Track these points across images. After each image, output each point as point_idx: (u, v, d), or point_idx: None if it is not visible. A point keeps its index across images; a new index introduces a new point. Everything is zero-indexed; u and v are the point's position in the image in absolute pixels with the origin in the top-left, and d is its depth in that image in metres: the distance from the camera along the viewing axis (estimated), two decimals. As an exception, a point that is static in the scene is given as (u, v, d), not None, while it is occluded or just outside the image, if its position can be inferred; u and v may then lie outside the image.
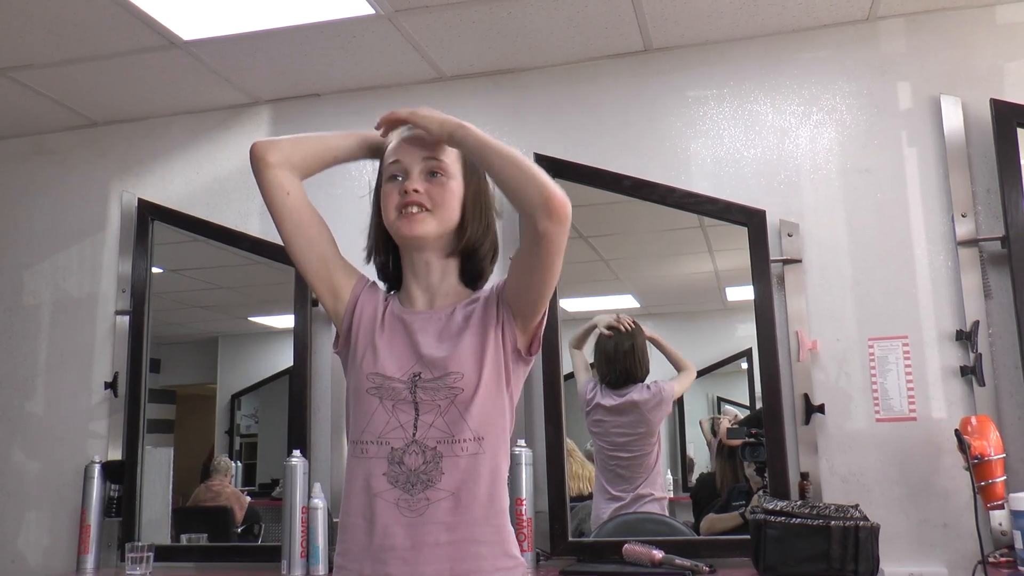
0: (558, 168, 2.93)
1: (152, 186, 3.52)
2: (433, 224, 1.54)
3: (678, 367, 3.13)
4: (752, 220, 2.85)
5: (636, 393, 3.08)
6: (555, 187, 1.41)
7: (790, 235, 2.85)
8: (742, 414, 3.16)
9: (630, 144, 3.06)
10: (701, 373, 3.22)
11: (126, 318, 3.37)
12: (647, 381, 3.10)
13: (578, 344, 3.15)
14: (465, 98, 3.24)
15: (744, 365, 3.16)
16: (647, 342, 3.12)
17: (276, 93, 3.38)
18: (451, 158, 1.57)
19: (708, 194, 2.91)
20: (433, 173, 1.55)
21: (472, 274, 1.62)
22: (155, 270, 3.44)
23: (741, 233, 2.83)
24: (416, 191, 1.53)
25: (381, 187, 1.59)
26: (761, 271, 2.81)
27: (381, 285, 1.66)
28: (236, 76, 3.21)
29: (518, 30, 2.90)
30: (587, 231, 3.18)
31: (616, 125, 3.11)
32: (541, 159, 2.95)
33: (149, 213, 3.45)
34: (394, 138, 1.60)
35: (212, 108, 3.50)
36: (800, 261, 2.85)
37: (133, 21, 2.79)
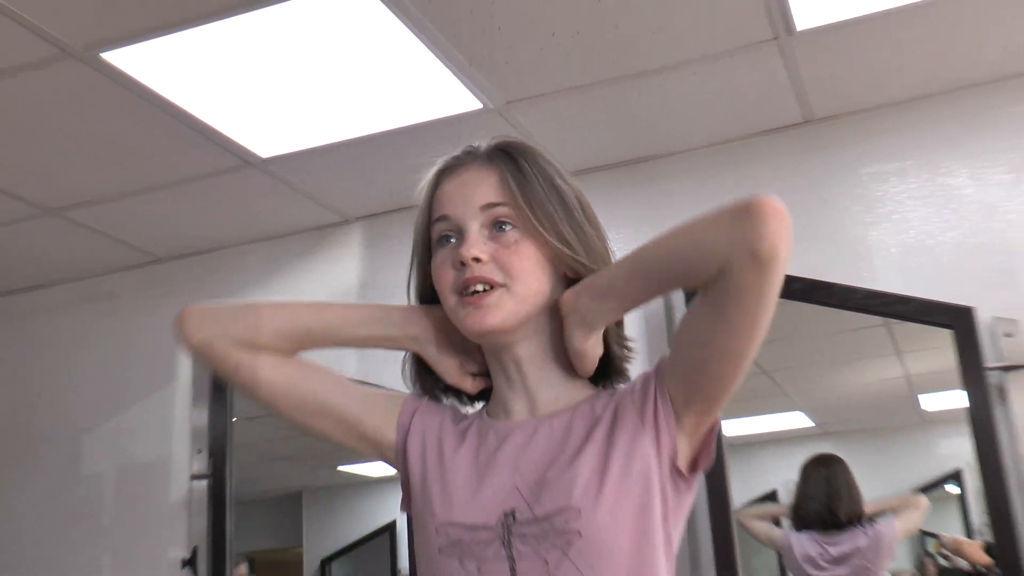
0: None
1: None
2: (509, 306, 1.10)
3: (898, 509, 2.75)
4: (959, 321, 2.46)
5: (856, 539, 2.68)
6: (754, 212, 0.94)
7: (1009, 335, 2.47)
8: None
9: (796, 235, 2.65)
10: (899, 502, 2.87)
11: (204, 483, 3.02)
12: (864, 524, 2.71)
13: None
14: (595, 194, 2.88)
15: (954, 489, 2.79)
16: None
17: (369, 208, 3.10)
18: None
19: (898, 292, 2.53)
20: (499, 225, 1.12)
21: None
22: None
23: (934, 330, 2.51)
24: (477, 260, 1.10)
25: (432, 256, 1.17)
26: (975, 382, 2.44)
27: (448, 401, 1.24)
28: (321, 192, 2.97)
29: (650, 111, 2.62)
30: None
31: (776, 214, 2.79)
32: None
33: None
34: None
35: (294, 231, 3.24)
36: (1025, 367, 2.49)
37: (202, 141, 2.57)
